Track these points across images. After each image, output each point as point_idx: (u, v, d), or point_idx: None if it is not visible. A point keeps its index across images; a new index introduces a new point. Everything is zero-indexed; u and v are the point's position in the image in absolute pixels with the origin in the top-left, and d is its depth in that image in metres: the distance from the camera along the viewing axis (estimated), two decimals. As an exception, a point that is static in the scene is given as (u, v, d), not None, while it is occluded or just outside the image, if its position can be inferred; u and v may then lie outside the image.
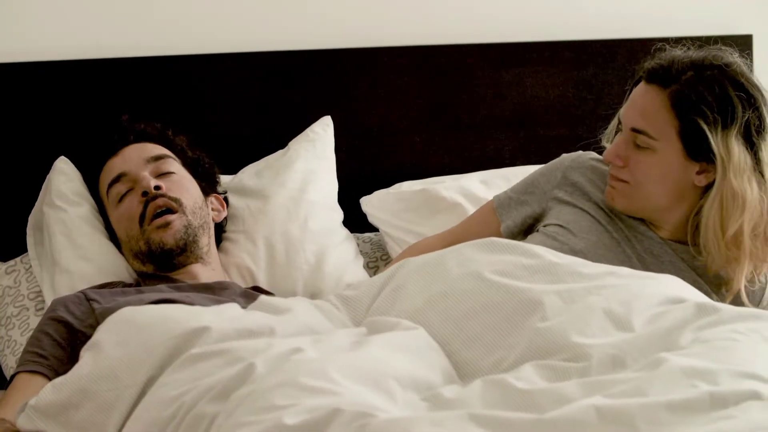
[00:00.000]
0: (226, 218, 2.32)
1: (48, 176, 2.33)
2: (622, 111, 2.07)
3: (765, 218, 1.97)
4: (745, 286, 2.00)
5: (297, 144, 2.46)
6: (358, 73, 2.61)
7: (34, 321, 2.18)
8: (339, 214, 2.45)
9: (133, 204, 2.13)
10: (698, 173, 1.99)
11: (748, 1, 2.86)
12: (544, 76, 2.70)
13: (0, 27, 2.46)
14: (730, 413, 1.30)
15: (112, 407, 1.58)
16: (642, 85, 2.03)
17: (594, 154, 2.17)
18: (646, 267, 2.01)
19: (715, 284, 2.04)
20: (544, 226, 2.11)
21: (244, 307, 1.82)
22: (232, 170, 2.45)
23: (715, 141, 1.93)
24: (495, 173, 2.55)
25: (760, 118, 1.95)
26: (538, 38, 2.71)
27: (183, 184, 2.17)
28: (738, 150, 1.93)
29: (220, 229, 2.31)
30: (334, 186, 2.47)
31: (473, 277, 1.72)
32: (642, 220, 2.07)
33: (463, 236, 2.14)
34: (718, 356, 1.43)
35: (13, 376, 1.89)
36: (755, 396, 1.33)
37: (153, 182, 2.13)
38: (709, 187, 1.98)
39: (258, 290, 2.18)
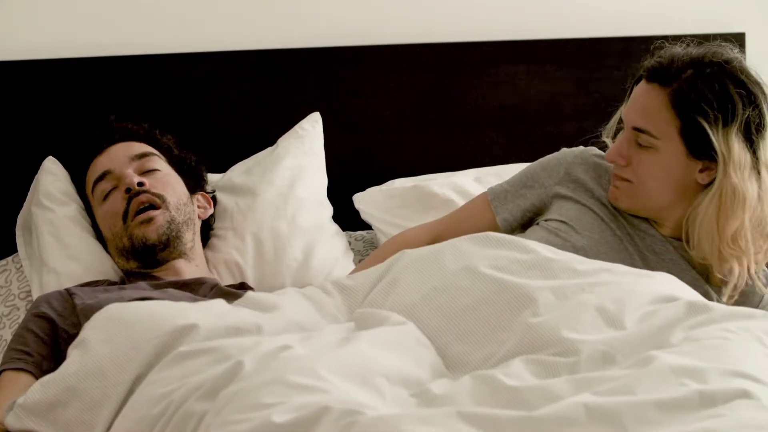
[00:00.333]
0: (214, 216, 2.32)
1: (36, 176, 2.32)
2: (623, 110, 2.06)
3: (764, 216, 1.97)
4: (747, 284, 2.00)
5: (286, 141, 2.46)
6: (352, 71, 2.61)
7: (25, 321, 2.18)
8: (328, 210, 2.45)
9: (117, 201, 2.13)
10: (701, 171, 1.98)
11: (741, -1, 2.87)
12: (538, 74, 2.69)
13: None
14: (718, 412, 1.29)
15: (100, 405, 1.57)
16: (642, 84, 2.02)
17: (596, 150, 2.16)
18: (647, 264, 2.01)
19: (715, 282, 2.03)
20: (546, 220, 2.10)
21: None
22: (222, 168, 2.45)
23: (716, 139, 1.92)
24: (488, 170, 2.55)
25: (760, 115, 1.94)
26: (532, 36, 2.71)
27: (167, 181, 2.17)
28: (738, 147, 1.92)
29: (208, 227, 2.31)
30: (323, 182, 2.47)
31: (468, 272, 1.72)
32: (644, 218, 2.06)
33: (454, 228, 2.14)
34: (708, 355, 1.43)
35: (-1, 374, 1.89)
36: (744, 395, 1.33)
37: (136, 179, 2.13)
38: (711, 184, 1.97)
39: (243, 287, 2.17)
